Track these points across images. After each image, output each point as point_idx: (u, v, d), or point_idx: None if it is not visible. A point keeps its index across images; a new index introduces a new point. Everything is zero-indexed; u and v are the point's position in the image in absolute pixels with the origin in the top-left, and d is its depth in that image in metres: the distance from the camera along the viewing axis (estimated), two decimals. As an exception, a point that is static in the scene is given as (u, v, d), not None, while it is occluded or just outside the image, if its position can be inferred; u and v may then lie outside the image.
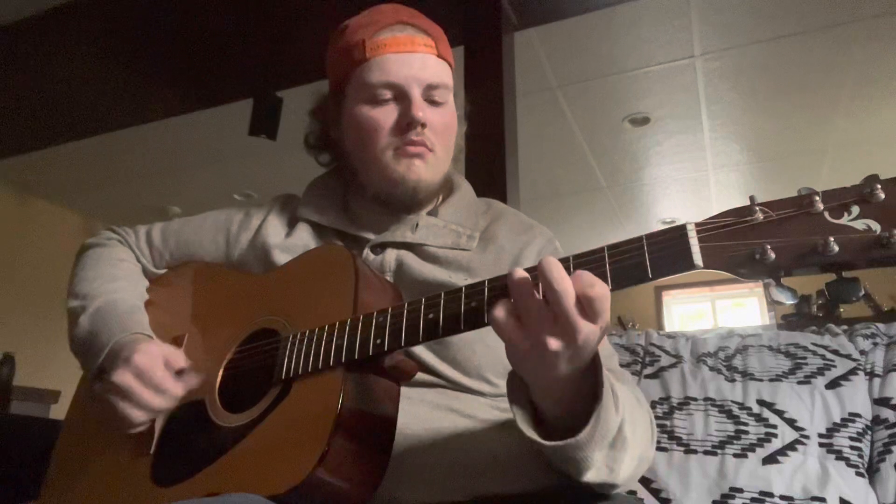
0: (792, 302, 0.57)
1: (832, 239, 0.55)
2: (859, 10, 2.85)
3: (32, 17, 2.78)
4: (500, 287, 0.65)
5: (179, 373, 0.84)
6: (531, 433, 0.65)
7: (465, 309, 0.66)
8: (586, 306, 0.58)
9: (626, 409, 0.68)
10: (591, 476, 0.66)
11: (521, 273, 0.60)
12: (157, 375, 0.82)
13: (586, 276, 0.58)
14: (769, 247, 0.57)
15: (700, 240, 0.59)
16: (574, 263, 0.63)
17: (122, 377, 0.81)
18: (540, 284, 0.59)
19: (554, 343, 0.59)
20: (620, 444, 0.67)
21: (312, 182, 1.05)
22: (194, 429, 0.83)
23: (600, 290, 0.57)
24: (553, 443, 0.63)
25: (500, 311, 0.61)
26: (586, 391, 0.64)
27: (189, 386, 0.84)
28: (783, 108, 3.62)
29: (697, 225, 0.59)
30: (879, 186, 0.55)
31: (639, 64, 3.24)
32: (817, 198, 0.56)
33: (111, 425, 0.83)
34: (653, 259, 0.59)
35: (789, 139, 3.98)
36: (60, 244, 4.40)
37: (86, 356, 0.91)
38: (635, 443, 0.70)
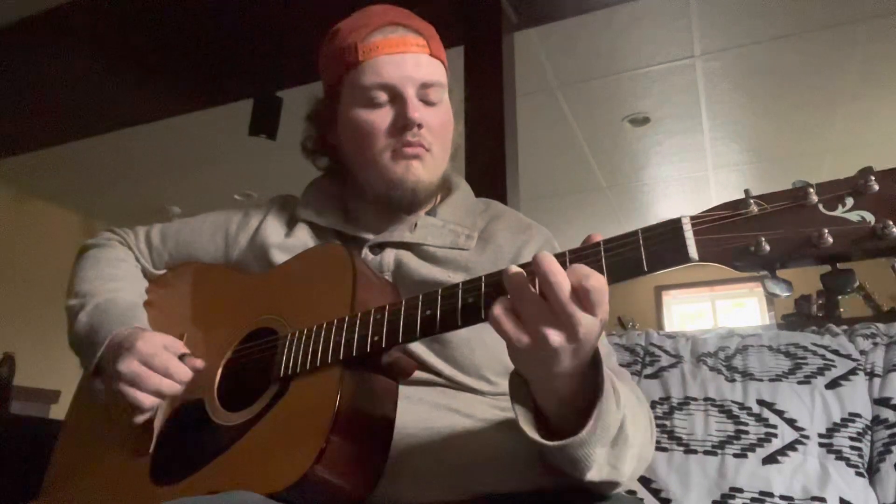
0: (787, 294, 0.57)
1: (826, 231, 0.55)
2: (859, 10, 2.85)
3: (32, 17, 2.78)
4: (497, 283, 0.65)
5: (181, 358, 0.86)
6: (533, 434, 0.64)
7: (463, 305, 0.66)
8: (584, 298, 0.57)
9: (626, 407, 0.68)
10: (594, 475, 0.66)
11: (515, 269, 0.60)
12: (163, 358, 0.83)
13: (581, 268, 0.58)
14: (764, 239, 0.57)
15: (695, 233, 0.59)
16: (570, 258, 0.63)
17: (129, 365, 0.82)
18: (536, 279, 0.59)
19: (555, 337, 0.58)
20: (622, 441, 0.67)
21: (311, 183, 1.06)
22: (193, 428, 0.83)
23: (596, 281, 0.57)
24: (555, 442, 0.63)
25: (498, 309, 0.60)
26: (588, 389, 0.64)
27: (195, 368, 0.85)
28: (783, 108, 3.62)
29: (692, 218, 0.60)
30: (873, 178, 0.55)
31: (639, 64, 3.24)
32: (811, 190, 0.56)
33: (119, 416, 0.84)
34: (648, 252, 0.60)
35: (789, 139, 3.98)
36: (60, 244, 4.40)
37: (85, 351, 0.92)
38: (636, 440, 0.70)
